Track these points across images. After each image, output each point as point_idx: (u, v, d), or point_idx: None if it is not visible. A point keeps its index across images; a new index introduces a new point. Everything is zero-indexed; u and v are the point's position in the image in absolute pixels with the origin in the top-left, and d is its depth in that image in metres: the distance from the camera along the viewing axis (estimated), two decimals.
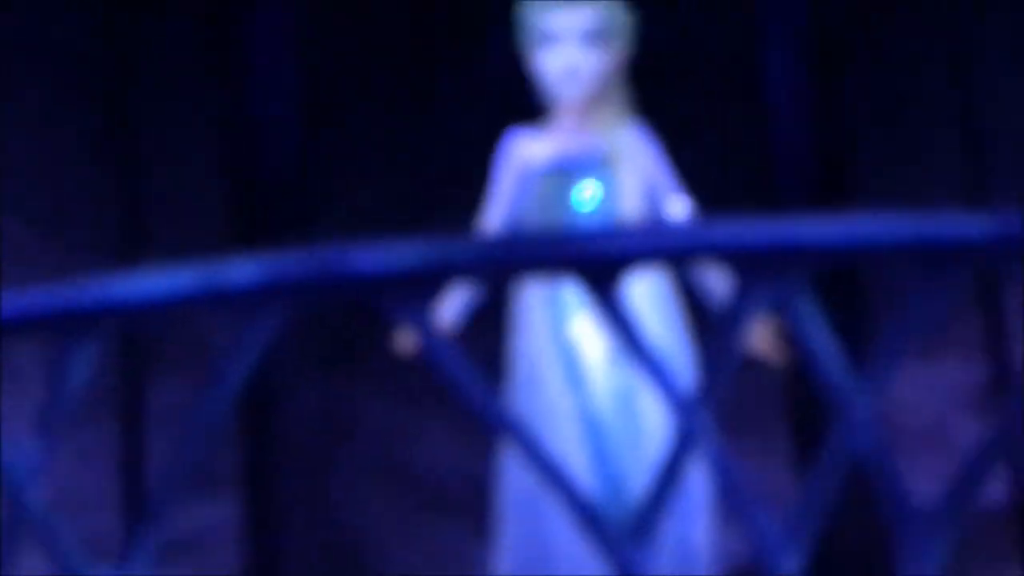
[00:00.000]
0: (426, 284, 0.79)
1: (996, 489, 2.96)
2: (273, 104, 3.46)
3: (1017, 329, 2.98)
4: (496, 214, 2.76)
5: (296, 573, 3.58)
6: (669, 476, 0.76)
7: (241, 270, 0.78)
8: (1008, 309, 3.21)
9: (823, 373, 0.76)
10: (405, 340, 2.51)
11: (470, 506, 2.92)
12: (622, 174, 2.71)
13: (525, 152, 2.75)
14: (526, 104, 2.78)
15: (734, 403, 0.93)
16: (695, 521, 2.53)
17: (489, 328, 2.61)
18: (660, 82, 2.91)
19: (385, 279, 0.76)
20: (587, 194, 2.70)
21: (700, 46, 3.37)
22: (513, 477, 2.56)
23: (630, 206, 2.70)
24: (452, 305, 2.63)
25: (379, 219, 3.25)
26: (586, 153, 2.74)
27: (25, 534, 0.86)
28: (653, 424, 2.52)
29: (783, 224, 0.77)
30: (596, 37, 2.74)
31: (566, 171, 2.74)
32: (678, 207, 2.73)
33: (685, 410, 0.75)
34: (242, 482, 3.49)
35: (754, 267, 0.77)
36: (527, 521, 2.60)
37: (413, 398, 3.17)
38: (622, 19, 2.79)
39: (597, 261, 0.79)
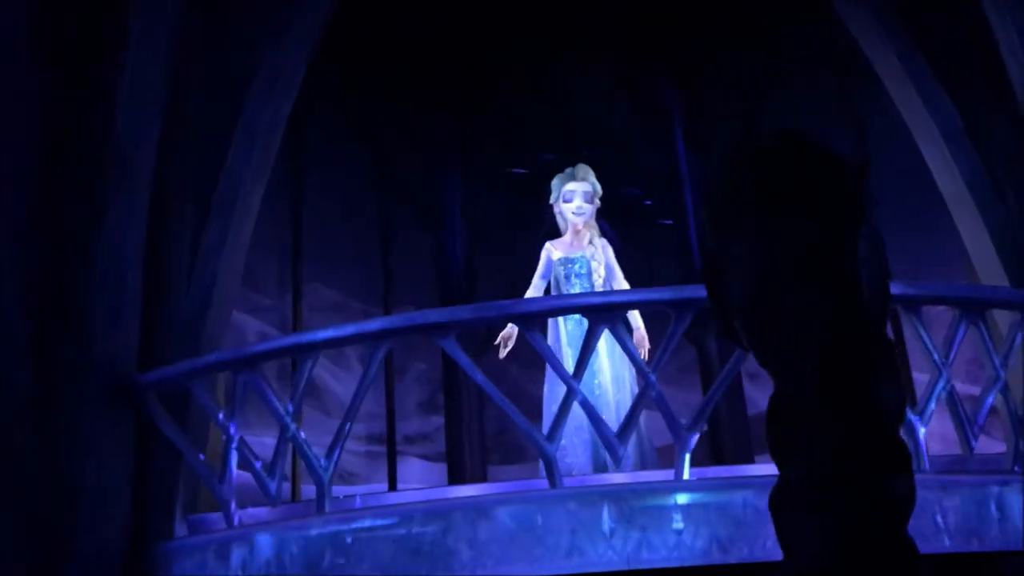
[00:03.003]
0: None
1: None
2: (454, 246, 7.06)
3: None
4: (538, 279, 5.61)
5: (471, 452, 7.07)
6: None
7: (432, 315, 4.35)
8: None
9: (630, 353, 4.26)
10: (505, 337, 5.42)
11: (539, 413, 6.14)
12: (596, 265, 5.66)
13: (552, 252, 5.62)
14: (554, 231, 5.90)
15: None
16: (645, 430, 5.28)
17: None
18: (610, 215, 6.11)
19: (448, 325, 4.33)
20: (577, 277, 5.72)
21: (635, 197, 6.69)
22: (548, 411, 5.30)
23: (600, 282, 5.57)
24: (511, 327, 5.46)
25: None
26: (580, 253, 5.59)
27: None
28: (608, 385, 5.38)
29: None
30: (588, 197, 5.60)
31: (571, 261, 5.63)
32: (622, 285, 5.55)
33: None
34: (444, 407, 7.07)
35: (599, 312, 4.27)
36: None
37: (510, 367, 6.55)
38: (598, 188, 5.64)
39: (537, 312, 4.47)
